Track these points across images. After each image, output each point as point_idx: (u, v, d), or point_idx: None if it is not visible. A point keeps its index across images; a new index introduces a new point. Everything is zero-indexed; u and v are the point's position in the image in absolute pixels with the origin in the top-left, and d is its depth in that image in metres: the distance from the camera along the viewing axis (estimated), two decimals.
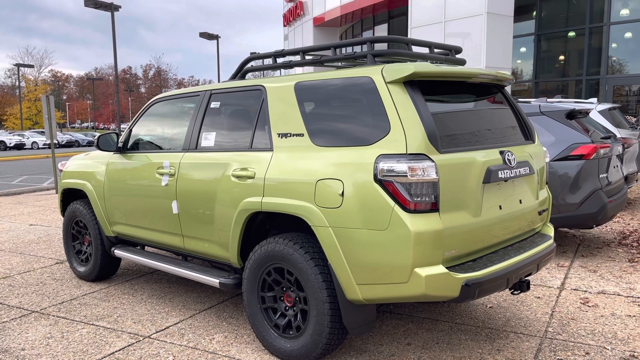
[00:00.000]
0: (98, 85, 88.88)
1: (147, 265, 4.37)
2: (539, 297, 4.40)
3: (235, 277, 3.64)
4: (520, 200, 3.35)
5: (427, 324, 3.87)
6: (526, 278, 3.31)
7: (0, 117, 69.12)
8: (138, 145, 4.61)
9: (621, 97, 14.42)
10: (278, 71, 4.26)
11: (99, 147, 4.69)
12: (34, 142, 40.34)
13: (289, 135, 3.29)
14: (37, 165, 22.27)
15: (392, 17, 18.94)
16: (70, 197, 5.35)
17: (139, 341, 3.67)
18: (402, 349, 3.46)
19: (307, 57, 3.74)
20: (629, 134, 8.51)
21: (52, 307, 4.37)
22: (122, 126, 35.41)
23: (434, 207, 2.76)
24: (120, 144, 4.65)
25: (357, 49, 3.58)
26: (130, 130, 4.67)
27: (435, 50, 3.72)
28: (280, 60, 3.96)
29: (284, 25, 25.33)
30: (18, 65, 58.18)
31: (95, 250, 4.88)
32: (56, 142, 29.26)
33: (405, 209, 2.72)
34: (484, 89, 3.55)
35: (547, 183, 3.84)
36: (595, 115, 8.06)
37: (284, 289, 3.32)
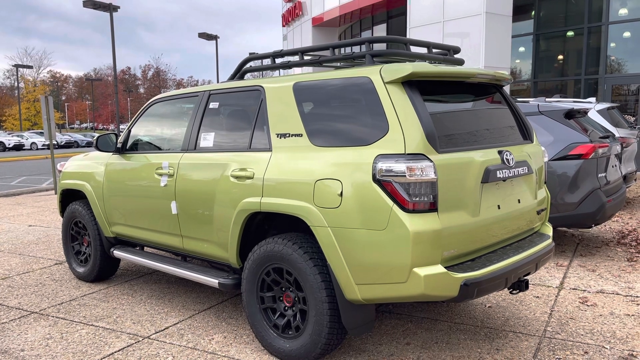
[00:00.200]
0: (97, 86, 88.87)
1: (146, 265, 4.37)
2: (537, 297, 4.40)
3: (235, 278, 3.65)
4: (518, 200, 3.36)
5: (426, 324, 3.88)
6: (525, 277, 3.32)
7: None
8: (137, 146, 4.62)
9: (620, 97, 14.43)
10: (277, 71, 4.26)
11: (97, 148, 4.69)
12: (33, 143, 40.33)
13: (287, 135, 3.30)
14: (36, 166, 22.26)
15: (390, 17, 18.93)
16: (70, 197, 5.35)
17: (138, 342, 3.67)
18: (401, 349, 3.47)
19: (306, 58, 3.74)
20: (628, 133, 8.53)
21: (52, 308, 4.37)
22: (121, 127, 35.41)
23: (433, 207, 2.76)
24: (119, 145, 4.65)
25: (356, 49, 3.59)
26: (129, 131, 4.68)
27: (434, 50, 3.73)
28: (279, 60, 3.96)
29: (283, 26, 25.31)
30: (17, 66, 58.13)
31: (95, 250, 4.88)
32: (55, 142, 29.26)
33: (403, 208, 2.72)
34: (483, 88, 3.55)
35: (545, 182, 3.85)
36: (593, 115, 8.07)
37: (283, 289, 3.33)
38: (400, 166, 2.73)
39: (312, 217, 2.99)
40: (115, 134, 4.76)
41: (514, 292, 3.37)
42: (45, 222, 8.31)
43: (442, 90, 3.25)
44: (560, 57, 15.75)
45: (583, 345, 3.48)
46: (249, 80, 3.78)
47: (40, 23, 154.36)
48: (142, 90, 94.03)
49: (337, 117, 3.11)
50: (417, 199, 2.73)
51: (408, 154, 2.76)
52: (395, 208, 2.73)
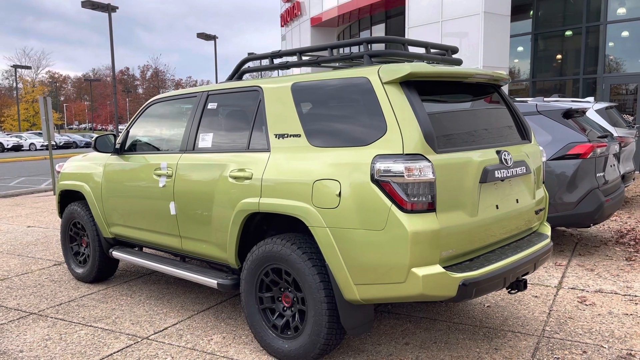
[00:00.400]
0: (95, 86, 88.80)
1: (145, 266, 4.37)
2: (536, 296, 4.41)
3: (233, 278, 3.65)
4: (517, 200, 3.36)
5: (425, 324, 3.88)
6: (523, 277, 3.32)
7: None
8: (135, 147, 4.62)
9: (618, 96, 14.44)
10: (275, 72, 4.26)
11: (96, 149, 4.69)
12: (31, 144, 40.28)
13: (286, 136, 3.30)
14: (34, 166, 22.24)
15: (389, 17, 18.94)
16: (68, 198, 5.35)
17: (137, 342, 3.67)
18: (400, 349, 3.47)
19: (304, 58, 3.74)
20: (626, 132, 8.54)
21: (50, 309, 4.37)
22: (119, 127, 35.38)
23: (431, 207, 2.77)
24: (117, 145, 4.65)
25: (354, 49, 3.59)
26: (128, 132, 4.67)
27: (432, 50, 3.73)
28: (277, 61, 3.96)
29: (282, 26, 25.31)
30: (15, 66, 58.07)
31: (93, 251, 4.87)
32: (54, 143, 29.22)
33: (402, 209, 2.73)
34: (481, 88, 3.55)
35: (544, 182, 3.85)
36: (592, 114, 8.08)
37: (282, 289, 3.33)
38: (398, 166, 2.73)
39: (311, 218, 2.99)
40: (114, 135, 4.75)
41: (513, 291, 3.38)
42: (44, 223, 8.30)
43: (440, 90, 3.26)
44: (559, 56, 15.77)
45: (582, 344, 3.49)
46: (248, 81, 3.78)
47: (38, 23, 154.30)
48: (140, 90, 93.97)
49: (336, 118, 3.12)
50: (416, 199, 2.73)
51: (406, 154, 2.76)
52: (394, 208, 2.73)
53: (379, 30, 19.51)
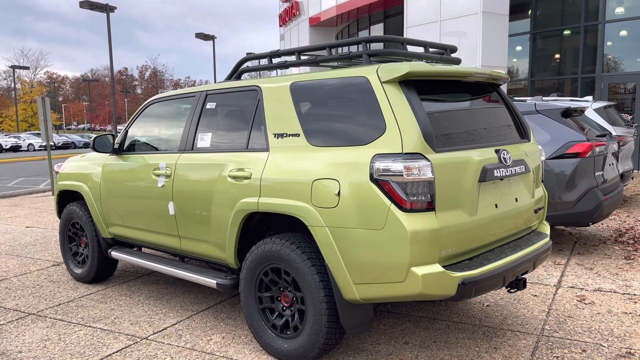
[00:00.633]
0: (94, 87, 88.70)
1: (144, 266, 4.37)
2: (535, 295, 4.41)
3: (233, 278, 3.64)
4: (516, 199, 3.36)
5: (424, 323, 3.88)
6: (522, 276, 3.32)
7: None
8: (134, 147, 4.61)
9: (616, 95, 14.45)
10: (274, 71, 4.26)
11: (95, 149, 4.68)
12: (30, 144, 40.22)
13: (285, 135, 3.30)
14: (33, 167, 22.22)
15: (387, 16, 18.94)
16: (67, 199, 5.34)
17: (136, 343, 3.66)
18: (399, 348, 3.47)
19: (303, 57, 3.74)
20: (625, 131, 8.54)
21: (49, 310, 4.36)
22: (118, 127, 35.33)
23: (430, 206, 2.77)
24: (116, 145, 4.64)
25: (353, 48, 3.59)
26: (127, 132, 4.67)
27: (431, 49, 3.73)
28: (276, 60, 3.96)
29: (280, 26, 25.30)
30: (13, 67, 57.87)
31: (92, 252, 4.87)
32: (52, 144, 29.17)
33: (401, 208, 2.72)
34: (479, 88, 3.55)
35: (543, 181, 3.85)
36: (590, 114, 8.09)
37: (281, 289, 3.32)
38: (397, 165, 2.73)
39: (310, 217, 2.99)
40: (113, 135, 4.75)
41: (512, 290, 3.38)
42: (42, 223, 8.29)
43: (439, 89, 3.26)
44: (557, 55, 15.77)
45: (581, 343, 3.49)
46: (246, 81, 3.77)
47: (36, 24, 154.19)
48: (139, 90, 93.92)
49: (335, 117, 3.11)
50: (415, 198, 2.73)
51: (405, 154, 2.76)
52: (393, 207, 2.73)
53: (377, 30, 19.51)
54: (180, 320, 4.05)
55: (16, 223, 8.34)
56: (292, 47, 3.81)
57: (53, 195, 10.11)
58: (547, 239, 3.58)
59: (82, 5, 22.39)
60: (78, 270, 5.08)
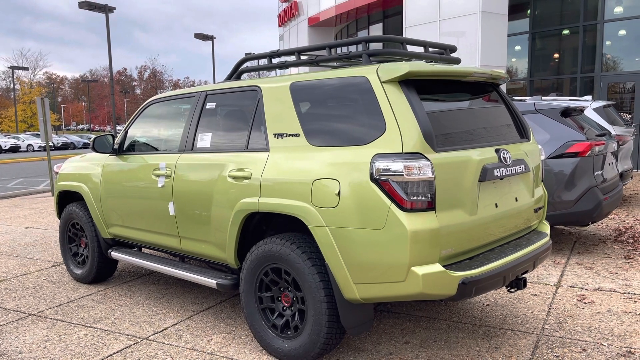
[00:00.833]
0: (93, 87, 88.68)
1: (144, 266, 4.37)
2: (535, 295, 4.41)
3: (233, 278, 3.64)
4: (516, 198, 3.36)
5: (424, 323, 3.88)
6: (522, 275, 3.32)
7: None
8: (134, 147, 4.61)
9: (616, 95, 14.46)
10: (273, 71, 4.27)
11: (94, 149, 4.68)
12: (29, 145, 40.19)
13: (285, 135, 3.30)
14: (32, 167, 22.20)
15: (387, 16, 18.94)
16: (67, 199, 5.34)
17: (136, 343, 3.66)
18: (399, 348, 3.47)
19: (303, 57, 3.74)
20: (624, 131, 8.55)
21: (49, 310, 4.36)
22: (117, 128, 35.31)
23: (430, 206, 2.77)
24: (116, 146, 4.64)
25: (352, 48, 3.59)
26: (126, 132, 4.67)
27: (430, 49, 3.73)
28: (275, 60, 3.96)
29: (279, 26, 25.30)
30: (12, 67, 57.85)
31: (92, 252, 4.87)
32: (51, 144, 29.17)
33: (401, 207, 2.73)
34: (479, 87, 3.56)
35: (542, 181, 3.86)
36: (590, 113, 8.09)
37: (282, 289, 3.32)
38: (397, 165, 2.73)
39: (310, 217, 2.99)
40: (112, 135, 4.75)
41: (512, 290, 3.38)
42: (42, 224, 8.29)
43: (439, 89, 3.26)
44: (556, 55, 15.78)
45: (581, 342, 3.49)
46: (246, 81, 3.77)
47: (35, 24, 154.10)
48: (138, 91, 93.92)
49: (335, 117, 3.11)
50: (415, 197, 2.73)
51: (405, 153, 2.76)
52: (393, 207, 2.73)
53: (376, 30, 19.51)
54: (181, 321, 4.05)
55: (16, 224, 8.34)
56: (292, 47, 3.82)
57: (53, 195, 10.11)
58: (547, 238, 3.58)
59: (81, 5, 22.37)
60: (78, 271, 5.08)
